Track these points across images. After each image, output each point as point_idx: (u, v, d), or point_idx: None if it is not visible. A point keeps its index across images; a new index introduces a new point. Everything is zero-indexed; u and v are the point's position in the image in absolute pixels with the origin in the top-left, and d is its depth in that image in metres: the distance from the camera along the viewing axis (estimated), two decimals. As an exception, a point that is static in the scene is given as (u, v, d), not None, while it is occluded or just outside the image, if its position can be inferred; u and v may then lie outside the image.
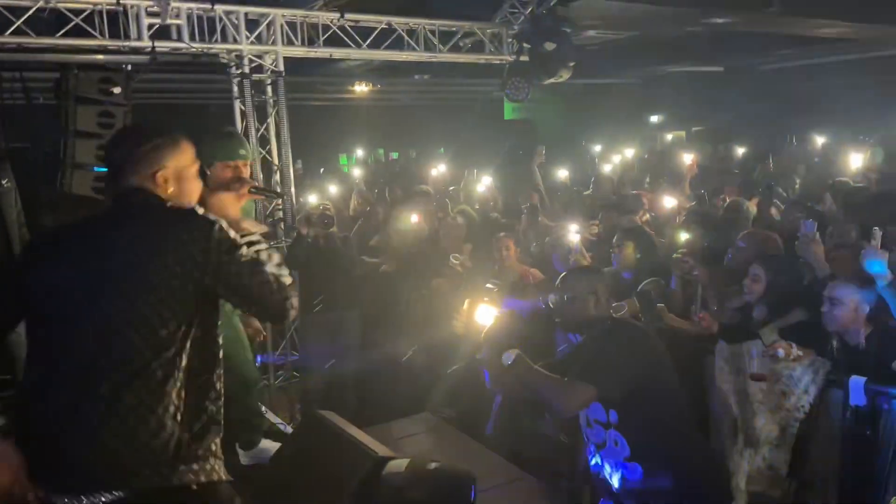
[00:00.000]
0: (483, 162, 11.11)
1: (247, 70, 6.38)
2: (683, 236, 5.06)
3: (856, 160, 7.36)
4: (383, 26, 7.08)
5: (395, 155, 17.43)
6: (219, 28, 6.20)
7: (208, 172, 3.44)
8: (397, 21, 7.11)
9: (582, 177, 10.79)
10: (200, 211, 2.16)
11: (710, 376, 4.12)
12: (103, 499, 1.90)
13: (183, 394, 1.97)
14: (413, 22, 7.24)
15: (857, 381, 3.50)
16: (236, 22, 6.27)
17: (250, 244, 2.22)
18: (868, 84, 14.90)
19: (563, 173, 10.14)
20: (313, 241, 5.73)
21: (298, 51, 6.74)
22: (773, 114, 15.48)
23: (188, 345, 2.01)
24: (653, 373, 2.88)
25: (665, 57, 13.63)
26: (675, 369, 3.01)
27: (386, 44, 7.17)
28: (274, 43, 6.49)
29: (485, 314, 3.19)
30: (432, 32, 7.34)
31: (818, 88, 15.97)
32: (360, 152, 15.92)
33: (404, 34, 7.19)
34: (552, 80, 7.47)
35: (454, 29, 7.50)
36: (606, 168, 10.64)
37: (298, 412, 6.19)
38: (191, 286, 2.01)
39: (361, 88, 14.08)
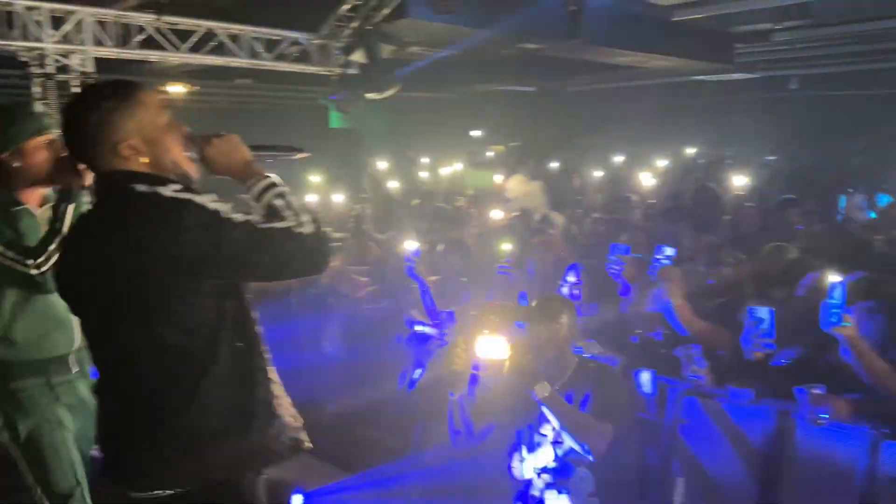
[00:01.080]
0: (308, 170, 11.05)
1: (51, 70, 5.89)
2: (506, 247, 5.47)
3: (646, 177, 8.33)
4: (204, 31, 6.86)
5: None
6: (18, 24, 5.68)
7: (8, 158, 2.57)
8: (219, 26, 6.92)
9: (409, 187, 11.11)
10: (170, 191, 1.76)
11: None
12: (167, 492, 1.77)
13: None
14: (237, 28, 7.08)
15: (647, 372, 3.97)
16: (39, 19, 5.79)
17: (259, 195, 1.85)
18: (660, 107, 16.81)
19: (392, 184, 10.38)
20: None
21: (110, 52, 6.36)
22: (581, 132, 16.94)
23: (221, 333, 1.80)
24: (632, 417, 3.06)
25: (485, 75, 14.37)
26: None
27: (207, 48, 6.95)
28: (82, 43, 6.07)
29: (492, 346, 2.81)
30: (257, 39, 7.23)
31: (618, 110, 17.73)
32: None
33: (227, 40, 7.01)
34: (379, 96, 7.65)
35: (279, 38, 7.43)
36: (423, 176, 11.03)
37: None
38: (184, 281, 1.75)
39: (176, 90, 13.37)
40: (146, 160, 1.80)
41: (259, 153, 1.99)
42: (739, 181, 7.19)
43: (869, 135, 13.62)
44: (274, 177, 1.90)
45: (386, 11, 7.18)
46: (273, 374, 1.90)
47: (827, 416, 3.03)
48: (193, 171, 1.89)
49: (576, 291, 4.39)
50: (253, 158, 1.93)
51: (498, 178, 9.26)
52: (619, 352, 4.06)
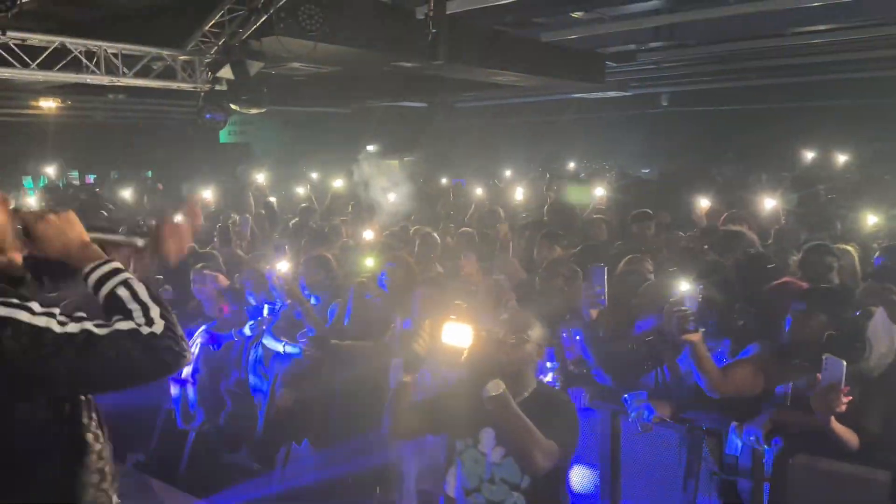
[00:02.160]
0: (196, 184, 10.74)
1: None
2: (368, 262, 5.52)
3: (520, 193, 8.62)
4: (56, 46, 6.58)
5: (92, 177, 16.01)
6: None
7: None
8: (73, 42, 6.66)
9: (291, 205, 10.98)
10: None
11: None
12: None
13: None
14: (93, 44, 6.83)
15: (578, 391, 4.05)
16: None
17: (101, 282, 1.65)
18: (540, 122, 17.48)
19: (272, 199, 10.23)
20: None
21: (-52, 68, 6.00)
22: (469, 148, 17.35)
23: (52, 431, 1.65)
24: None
25: (377, 91, 14.48)
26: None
27: (60, 65, 6.66)
28: (-86, 57, 5.70)
29: (457, 333, 2.67)
30: (115, 56, 7.00)
31: (501, 126, 18.29)
32: (50, 173, 14.32)
33: (82, 56, 6.75)
34: (247, 111, 7.57)
35: (140, 53, 7.22)
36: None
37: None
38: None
39: (48, 105, 12.73)
40: None
41: (97, 237, 1.78)
42: (598, 193, 7.54)
43: (734, 146, 14.65)
44: (116, 262, 1.70)
45: (252, 28, 7.11)
46: (103, 462, 1.74)
47: (651, 418, 3.31)
48: (19, 256, 1.69)
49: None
50: (90, 240, 1.73)
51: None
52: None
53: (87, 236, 1.73)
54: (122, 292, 1.62)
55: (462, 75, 10.56)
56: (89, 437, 1.68)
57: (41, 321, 1.49)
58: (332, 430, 4.71)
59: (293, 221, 8.89)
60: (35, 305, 1.51)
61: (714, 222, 5.97)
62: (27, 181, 14.99)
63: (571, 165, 15.02)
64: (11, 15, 5.92)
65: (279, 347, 5.06)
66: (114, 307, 1.62)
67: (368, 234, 6.72)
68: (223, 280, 5.48)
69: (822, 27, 9.61)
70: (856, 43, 10.49)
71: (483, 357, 2.66)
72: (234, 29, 7.23)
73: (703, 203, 6.92)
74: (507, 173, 13.49)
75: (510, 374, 2.67)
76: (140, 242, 1.91)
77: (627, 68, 12.76)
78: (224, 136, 18.03)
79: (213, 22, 7.15)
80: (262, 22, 7.08)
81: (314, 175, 15.36)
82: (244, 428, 5.26)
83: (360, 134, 19.96)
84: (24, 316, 1.49)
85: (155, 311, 1.61)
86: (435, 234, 5.96)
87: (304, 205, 9.54)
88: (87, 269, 1.66)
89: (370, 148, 21.62)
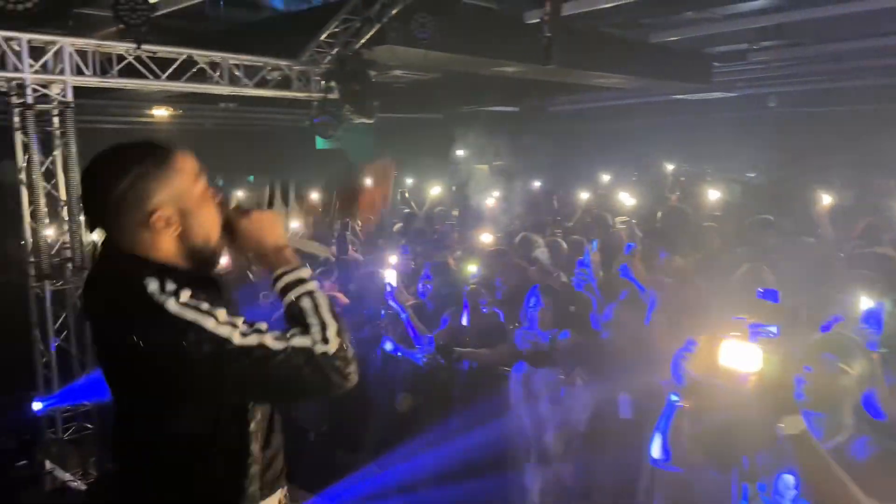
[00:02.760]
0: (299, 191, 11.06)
1: (30, 100, 5.91)
2: (472, 269, 5.53)
3: (626, 197, 8.43)
4: (184, 58, 6.90)
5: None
6: (-5, 54, 5.71)
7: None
8: (199, 54, 6.97)
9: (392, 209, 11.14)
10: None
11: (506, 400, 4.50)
12: None
13: None
14: (217, 56, 7.13)
15: (624, 397, 4.02)
16: (18, 49, 5.81)
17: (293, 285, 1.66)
18: (641, 125, 17.03)
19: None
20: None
21: (90, 81, 6.38)
22: (562, 152, 17.09)
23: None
24: None
25: (470, 96, 14.54)
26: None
27: (187, 76, 6.98)
28: (62, 72, 6.09)
29: (742, 355, 2.16)
30: (237, 66, 7.29)
31: (599, 129, 17.93)
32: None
33: (207, 67, 7.06)
34: (360, 120, 7.73)
35: (260, 64, 7.49)
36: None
37: (94, 468, 5.78)
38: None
39: (161, 113, 13.43)
40: (177, 233, 1.61)
41: (292, 242, 1.79)
42: (714, 196, 7.26)
43: (848, 149, 13.83)
44: (306, 270, 1.71)
45: (364, 38, 7.26)
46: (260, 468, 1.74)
47: None
48: (222, 249, 1.72)
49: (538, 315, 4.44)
50: (288, 244, 1.75)
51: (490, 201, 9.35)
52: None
53: (284, 239, 1.75)
54: (306, 303, 1.63)
55: (566, 79, 10.43)
56: (253, 446, 1.69)
57: (224, 331, 1.51)
58: (448, 436, 4.75)
59: (397, 226, 9.04)
60: (221, 313, 1.53)
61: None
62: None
63: (670, 168, 14.57)
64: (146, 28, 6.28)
65: (398, 353, 5.13)
66: (294, 316, 1.63)
67: (487, 238, 6.70)
68: (342, 299, 5.53)
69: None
70: None
71: (778, 387, 2.10)
72: (348, 38, 7.40)
73: (825, 200, 6.53)
74: (605, 178, 13.24)
75: (820, 409, 2.23)
76: (325, 254, 1.93)
77: (735, 68, 12.30)
78: (320, 142, 18.51)
79: (327, 33, 7.34)
80: (375, 32, 7.22)
81: (409, 180, 15.53)
82: (362, 430, 5.36)
83: (450, 139, 20.11)
84: (209, 323, 1.51)
85: (332, 330, 1.59)
86: (562, 241, 5.86)
87: (406, 210, 9.66)
88: (277, 273, 1.68)
89: (460, 153, 21.80)
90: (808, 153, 13.40)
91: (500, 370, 4.57)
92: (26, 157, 6.02)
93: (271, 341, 1.53)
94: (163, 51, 6.75)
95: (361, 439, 5.35)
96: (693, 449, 2.43)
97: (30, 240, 6.12)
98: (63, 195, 6.25)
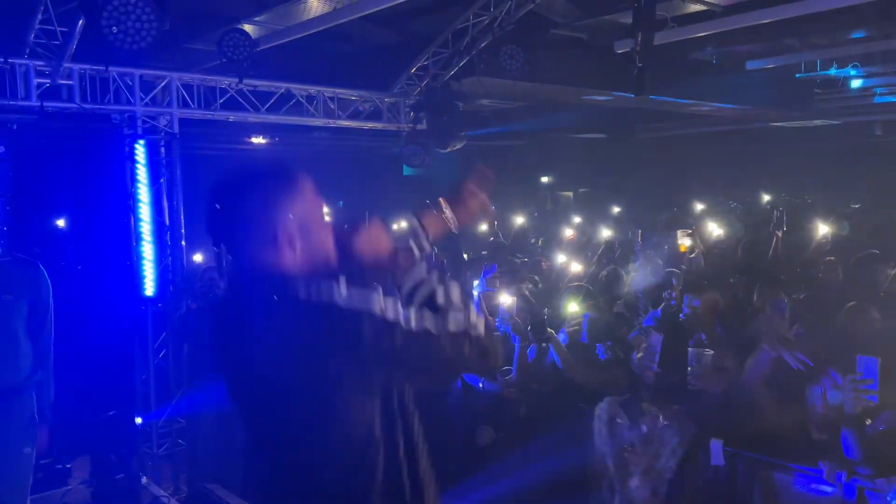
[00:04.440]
0: (383, 216, 11.26)
1: (139, 131, 6.30)
2: (573, 308, 5.37)
3: (714, 227, 8.13)
4: (282, 91, 7.19)
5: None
6: (112, 89, 6.12)
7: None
8: (296, 87, 7.25)
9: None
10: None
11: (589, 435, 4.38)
12: None
13: None
14: (313, 89, 7.40)
15: (716, 443, 3.84)
16: (130, 84, 6.22)
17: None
18: (736, 153, 16.44)
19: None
20: (203, 307, 5.73)
21: (195, 113, 6.75)
22: (653, 178, 16.70)
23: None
24: None
25: (556, 122, 14.46)
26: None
27: (285, 108, 7.27)
28: (169, 105, 6.47)
29: None
30: (331, 99, 7.53)
31: (686, 157, 17.42)
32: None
33: (303, 100, 7.33)
34: (446, 150, 7.82)
35: (353, 97, 7.72)
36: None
37: (185, 484, 5.99)
38: None
39: (258, 141, 14.03)
40: (300, 252, 1.68)
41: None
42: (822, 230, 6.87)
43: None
44: (422, 266, 1.79)
45: (453, 70, 7.37)
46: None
47: None
48: (336, 262, 1.78)
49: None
50: (398, 247, 1.83)
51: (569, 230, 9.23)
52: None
53: (391, 246, 1.83)
54: (440, 296, 1.72)
55: (656, 106, 10.23)
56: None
57: (391, 314, 1.59)
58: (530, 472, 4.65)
59: (483, 253, 9.04)
60: (380, 298, 1.60)
61: None
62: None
63: (766, 199, 13.97)
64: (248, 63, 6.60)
65: (478, 384, 5.09)
66: (438, 315, 1.69)
67: (576, 268, 6.58)
68: None
69: None
70: None
71: None
72: (437, 71, 7.54)
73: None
74: (699, 207, 12.82)
75: None
76: (426, 249, 1.96)
77: (837, 96, 11.72)
78: (407, 169, 18.86)
79: (418, 65, 7.50)
80: (464, 63, 7.32)
81: (493, 207, 15.45)
82: (441, 462, 5.31)
83: (535, 166, 20.03)
84: (377, 309, 1.58)
85: (473, 313, 1.70)
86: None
87: (492, 238, 9.66)
88: (398, 279, 1.79)
89: (544, 179, 21.68)
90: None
91: (579, 406, 4.46)
92: (135, 184, 6.40)
93: (430, 325, 1.63)
94: (263, 84, 7.07)
95: (441, 472, 5.30)
96: None
97: (136, 263, 6.48)
98: (167, 220, 6.60)
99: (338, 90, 7.52)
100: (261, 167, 1.78)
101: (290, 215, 1.68)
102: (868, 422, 3.32)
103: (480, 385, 5.10)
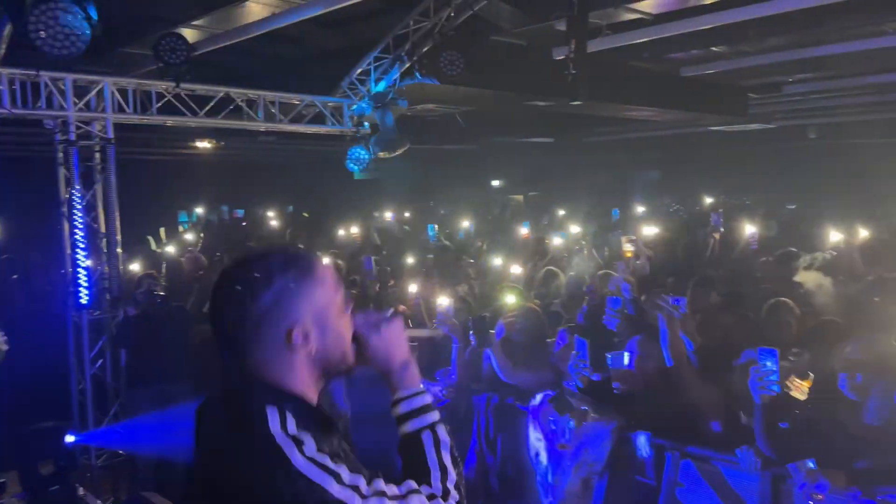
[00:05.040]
0: (335, 220, 11.26)
1: (73, 137, 6.19)
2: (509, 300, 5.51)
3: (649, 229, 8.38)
4: (221, 96, 7.15)
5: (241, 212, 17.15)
6: (43, 94, 6.00)
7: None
8: (236, 91, 7.21)
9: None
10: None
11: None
12: None
13: None
14: (253, 93, 7.37)
15: (643, 435, 3.98)
16: (63, 88, 6.11)
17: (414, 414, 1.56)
18: (669, 157, 16.93)
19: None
20: (142, 314, 5.65)
21: (130, 118, 6.66)
22: (598, 182, 17.06)
23: None
24: None
25: (504, 128, 14.66)
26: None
27: (224, 112, 7.22)
28: (103, 110, 6.37)
29: None
30: (272, 103, 7.52)
31: (632, 161, 17.87)
32: (200, 210, 15.50)
33: (243, 104, 7.30)
34: (390, 154, 7.88)
35: (295, 101, 7.71)
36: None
37: (124, 493, 5.90)
38: None
39: (204, 145, 13.84)
40: (314, 350, 1.46)
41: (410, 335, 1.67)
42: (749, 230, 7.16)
43: (891, 181, 13.49)
44: (429, 396, 1.60)
45: (396, 75, 7.43)
46: None
47: (826, 490, 3.01)
48: (353, 364, 1.57)
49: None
50: (411, 357, 1.63)
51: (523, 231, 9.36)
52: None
53: (408, 352, 1.63)
54: (427, 440, 1.53)
55: (598, 112, 10.47)
56: None
57: (346, 495, 1.35)
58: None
59: (429, 257, 9.10)
60: (345, 472, 1.37)
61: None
62: (182, 216, 16.31)
63: (708, 202, 14.40)
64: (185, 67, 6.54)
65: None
66: (412, 454, 1.53)
67: (516, 269, 6.68)
68: None
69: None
70: None
71: None
72: (379, 75, 7.60)
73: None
74: (640, 209, 13.13)
75: None
76: (440, 335, 1.82)
77: (772, 101, 12.17)
78: (358, 173, 18.81)
79: (360, 70, 7.55)
80: (406, 68, 7.39)
81: (443, 211, 15.61)
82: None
83: (485, 170, 20.23)
84: (334, 487, 1.35)
85: (452, 479, 1.50)
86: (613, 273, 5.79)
87: (439, 243, 9.73)
88: (400, 395, 1.58)
89: (495, 183, 21.90)
90: (844, 185, 13.12)
91: (518, 406, 4.55)
92: (68, 190, 6.29)
93: (395, 491, 1.42)
94: (201, 88, 7.02)
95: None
96: None
97: (70, 270, 6.36)
98: (102, 227, 6.50)
99: (279, 94, 7.51)
100: (278, 250, 1.55)
101: (308, 308, 1.46)
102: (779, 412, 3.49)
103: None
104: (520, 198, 20.84)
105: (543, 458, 4.33)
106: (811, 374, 3.57)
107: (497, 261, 6.94)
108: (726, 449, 3.61)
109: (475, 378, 4.90)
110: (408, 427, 1.55)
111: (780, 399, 3.43)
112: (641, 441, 4.01)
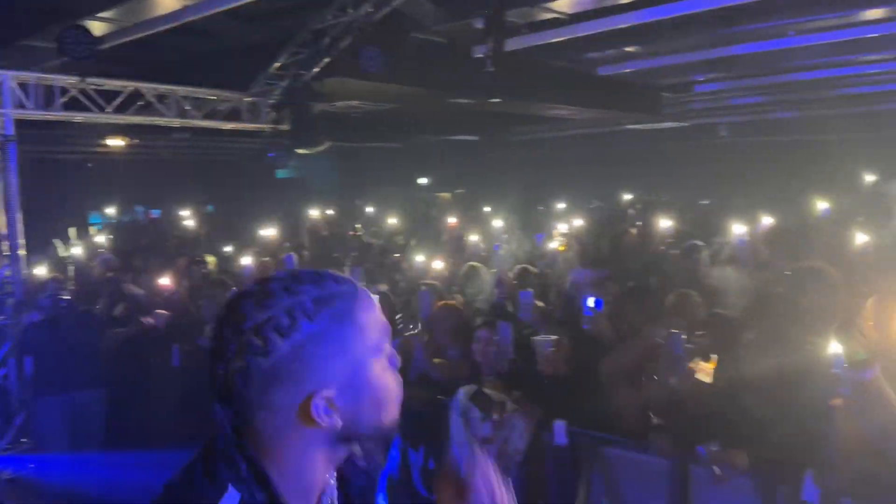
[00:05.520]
0: (258, 220, 11.00)
1: (-32, 133, 5.85)
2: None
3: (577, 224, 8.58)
4: (131, 91, 6.88)
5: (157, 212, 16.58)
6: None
7: None
8: (146, 87, 6.96)
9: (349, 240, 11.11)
10: None
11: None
12: None
13: None
14: (164, 88, 7.13)
15: (559, 424, 4.06)
16: (-45, 82, 5.77)
17: None
18: (590, 155, 17.40)
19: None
20: (48, 319, 5.39)
21: (32, 114, 6.33)
22: (521, 179, 17.34)
23: None
24: None
25: (430, 125, 14.70)
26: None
27: (134, 108, 6.96)
28: (3, 105, 6.04)
29: None
30: (185, 98, 7.29)
31: (556, 159, 18.25)
32: (112, 210, 14.91)
33: (154, 100, 7.05)
34: (311, 151, 7.77)
35: (210, 96, 7.50)
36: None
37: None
38: None
39: (116, 143, 13.28)
40: (339, 426, 1.06)
41: None
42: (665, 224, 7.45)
43: (797, 177, 14.25)
44: None
45: (314, 70, 7.33)
46: None
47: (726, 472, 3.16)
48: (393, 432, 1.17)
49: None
50: None
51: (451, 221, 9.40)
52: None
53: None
54: None
55: (518, 110, 10.63)
56: None
57: None
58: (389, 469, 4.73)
59: (353, 255, 9.02)
60: None
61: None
62: (93, 217, 15.62)
63: (626, 198, 14.85)
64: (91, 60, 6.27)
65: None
66: None
67: (438, 265, 6.71)
68: None
69: (884, 56, 9.40)
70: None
71: None
72: (297, 71, 7.47)
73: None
74: (562, 206, 13.40)
75: None
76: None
77: (684, 99, 12.66)
78: (280, 171, 18.47)
79: (277, 65, 7.40)
80: (325, 64, 7.29)
81: (369, 209, 15.52)
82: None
83: (412, 168, 20.23)
84: None
85: None
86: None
87: (364, 241, 9.66)
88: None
89: (421, 181, 21.94)
90: (756, 181, 13.79)
91: (441, 400, 4.58)
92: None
93: None
94: (109, 83, 6.73)
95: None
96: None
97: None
98: (4, 229, 6.16)
99: (192, 89, 7.28)
100: (307, 277, 1.10)
101: (339, 367, 1.06)
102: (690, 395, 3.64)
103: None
104: (447, 195, 20.96)
105: (465, 451, 4.36)
106: (714, 356, 3.74)
107: (420, 258, 6.94)
108: (639, 436, 3.73)
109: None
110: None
111: (687, 381, 3.59)
112: (558, 429, 4.09)
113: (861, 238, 5.67)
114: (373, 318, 1.10)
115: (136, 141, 13.20)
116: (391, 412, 1.13)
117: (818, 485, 2.97)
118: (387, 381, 1.11)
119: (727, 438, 3.28)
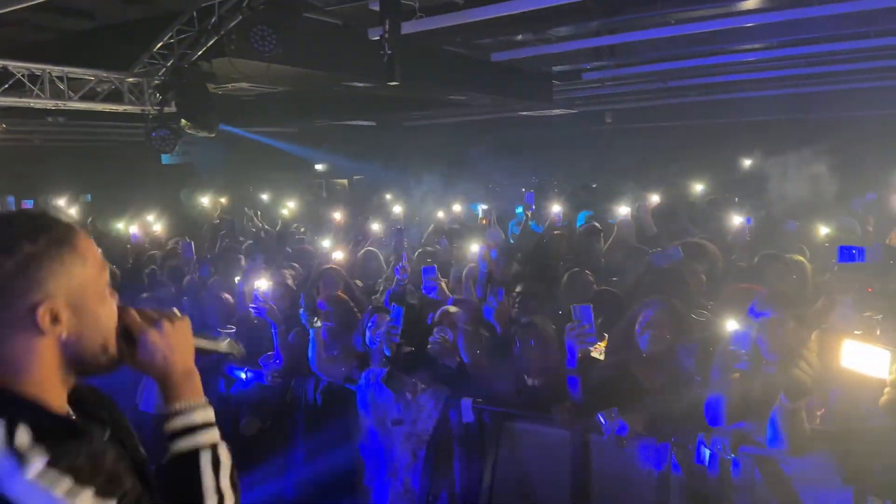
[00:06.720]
0: (140, 207, 10.42)
1: None
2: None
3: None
4: (-2, 70, 6.36)
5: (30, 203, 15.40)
6: None
7: None
8: (16, 65, 6.43)
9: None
10: None
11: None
12: None
13: None
14: (36, 67, 6.61)
15: (466, 401, 4.13)
16: None
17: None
18: (491, 140, 17.68)
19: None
20: None
21: None
22: (416, 165, 17.39)
23: None
24: None
25: (325, 110, 14.41)
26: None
27: (2, 88, 6.42)
28: None
29: (868, 359, 1.85)
30: (60, 79, 6.79)
31: (453, 143, 18.42)
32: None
33: (25, 79, 6.53)
34: (201, 134, 7.44)
35: (88, 77, 7.02)
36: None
37: None
38: None
39: (-19, 127, 12.24)
40: (65, 335, 1.22)
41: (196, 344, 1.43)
42: (555, 209, 7.69)
43: (678, 162, 15.07)
44: (210, 411, 1.40)
45: (202, 50, 7.01)
46: None
47: (626, 433, 3.33)
48: (116, 360, 1.33)
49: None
50: (194, 367, 1.41)
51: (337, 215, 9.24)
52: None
53: (192, 361, 1.41)
54: (205, 461, 1.33)
55: (414, 94, 10.62)
56: None
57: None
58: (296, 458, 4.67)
59: (247, 244, 8.75)
60: (87, 497, 1.15)
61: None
62: (-43, 208, 14.32)
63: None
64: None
65: (241, 374, 4.96)
66: (185, 475, 1.32)
67: (338, 255, 6.63)
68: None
69: (757, 45, 10.06)
70: (792, 59, 10.97)
71: None
72: (183, 50, 7.11)
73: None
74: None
75: None
76: (225, 347, 1.60)
77: (573, 87, 13.06)
78: (167, 157, 17.61)
79: (161, 44, 7.02)
80: (213, 43, 6.98)
81: (264, 196, 15.10)
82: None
83: (308, 154, 19.81)
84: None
85: (229, 500, 1.34)
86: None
87: (255, 229, 9.39)
88: (177, 406, 1.36)
89: (319, 167, 21.52)
90: (639, 165, 14.50)
91: (346, 387, 4.54)
92: None
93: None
94: (-28, 61, 6.19)
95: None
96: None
97: None
98: None
99: (67, 69, 6.79)
100: (30, 212, 1.28)
101: (61, 284, 1.22)
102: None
103: (244, 375, 4.98)
104: (344, 182, 20.70)
105: (376, 433, 4.36)
106: (605, 335, 3.91)
107: (324, 244, 6.83)
108: (541, 409, 3.85)
109: (301, 361, 4.82)
110: (182, 444, 1.33)
111: (584, 358, 3.75)
112: (465, 406, 4.16)
113: (737, 219, 6.12)
114: (91, 250, 1.27)
115: (4, 125, 12.23)
116: (111, 341, 1.30)
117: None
118: (107, 309, 1.30)
119: (623, 407, 3.45)
